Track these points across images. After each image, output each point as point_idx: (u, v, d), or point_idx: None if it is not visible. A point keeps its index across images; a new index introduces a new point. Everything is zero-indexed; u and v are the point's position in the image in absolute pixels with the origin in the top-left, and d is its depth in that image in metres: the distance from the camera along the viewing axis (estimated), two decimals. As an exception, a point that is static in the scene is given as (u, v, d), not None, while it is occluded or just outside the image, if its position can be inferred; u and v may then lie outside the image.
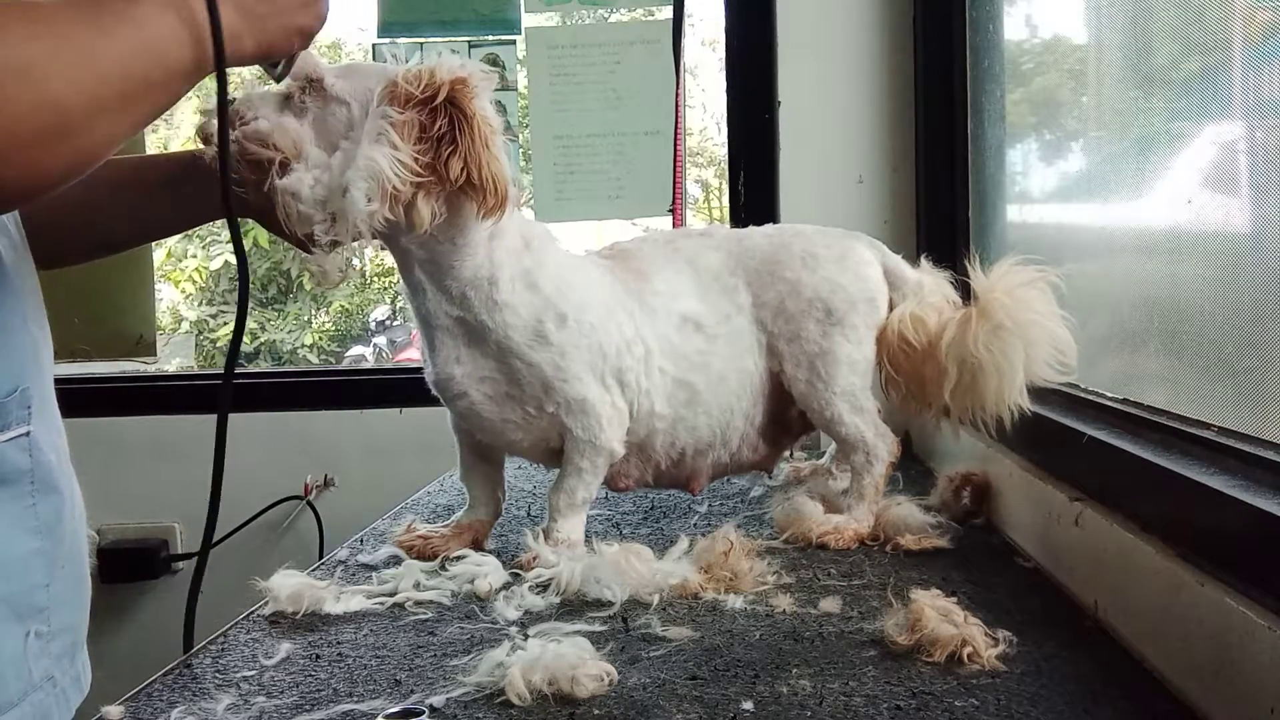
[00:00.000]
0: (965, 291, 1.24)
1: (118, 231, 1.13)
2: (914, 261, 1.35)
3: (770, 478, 1.47)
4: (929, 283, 1.31)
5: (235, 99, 1.04)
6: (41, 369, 0.88)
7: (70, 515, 0.87)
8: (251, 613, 1.05)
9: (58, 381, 0.91)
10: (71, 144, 0.74)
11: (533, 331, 1.15)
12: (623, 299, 1.22)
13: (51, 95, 0.71)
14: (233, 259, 1.01)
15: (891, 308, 1.30)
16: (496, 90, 1.20)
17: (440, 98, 1.04)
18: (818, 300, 1.27)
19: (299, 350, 8.25)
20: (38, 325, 0.89)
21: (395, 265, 1.19)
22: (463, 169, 1.05)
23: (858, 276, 1.29)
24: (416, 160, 1.03)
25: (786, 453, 1.45)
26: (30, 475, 0.82)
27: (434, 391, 1.23)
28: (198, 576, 1.01)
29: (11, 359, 0.83)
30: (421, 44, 2.27)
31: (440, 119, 1.05)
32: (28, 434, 0.82)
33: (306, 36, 0.94)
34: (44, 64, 0.71)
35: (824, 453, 1.55)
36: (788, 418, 1.33)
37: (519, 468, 1.50)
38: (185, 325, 7.93)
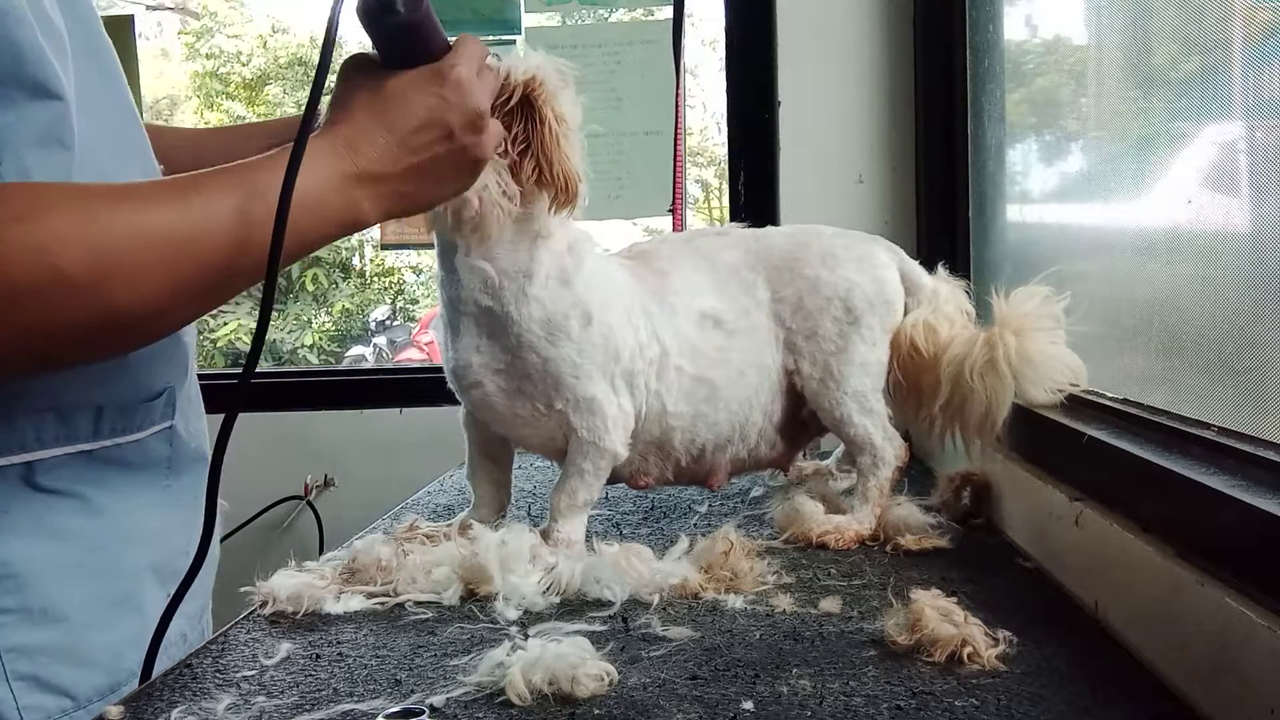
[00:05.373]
0: (981, 302, 1.25)
1: None
2: (921, 263, 1.36)
3: (785, 475, 1.47)
4: (944, 291, 1.31)
5: None
6: (188, 368, 0.96)
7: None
8: (252, 612, 1.05)
9: None
10: (133, 338, 0.74)
11: (555, 325, 1.16)
12: (644, 300, 1.23)
13: (119, 304, 0.69)
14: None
15: (906, 313, 1.30)
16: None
17: (514, 100, 1.07)
18: (836, 299, 1.27)
19: (299, 350, 8.25)
20: (185, 331, 0.95)
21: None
22: (535, 168, 1.08)
23: (876, 279, 1.29)
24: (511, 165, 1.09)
25: (802, 452, 1.45)
26: (168, 461, 0.92)
27: (450, 381, 1.23)
28: (171, 605, 0.93)
29: (162, 366, 0.89)
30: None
31: (517, 123, 1.07)
32: (171, 427, 0.90)
33: (461, 190, 0.96)
34: (126, 272, 0.68)
35: (828, 453, 1.55)
36: (804, 416, 1.33)
37: (519, 467, 1.50)
38: (185, 325, 7.92)
